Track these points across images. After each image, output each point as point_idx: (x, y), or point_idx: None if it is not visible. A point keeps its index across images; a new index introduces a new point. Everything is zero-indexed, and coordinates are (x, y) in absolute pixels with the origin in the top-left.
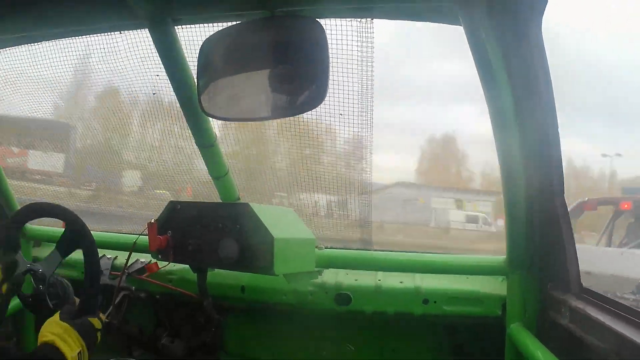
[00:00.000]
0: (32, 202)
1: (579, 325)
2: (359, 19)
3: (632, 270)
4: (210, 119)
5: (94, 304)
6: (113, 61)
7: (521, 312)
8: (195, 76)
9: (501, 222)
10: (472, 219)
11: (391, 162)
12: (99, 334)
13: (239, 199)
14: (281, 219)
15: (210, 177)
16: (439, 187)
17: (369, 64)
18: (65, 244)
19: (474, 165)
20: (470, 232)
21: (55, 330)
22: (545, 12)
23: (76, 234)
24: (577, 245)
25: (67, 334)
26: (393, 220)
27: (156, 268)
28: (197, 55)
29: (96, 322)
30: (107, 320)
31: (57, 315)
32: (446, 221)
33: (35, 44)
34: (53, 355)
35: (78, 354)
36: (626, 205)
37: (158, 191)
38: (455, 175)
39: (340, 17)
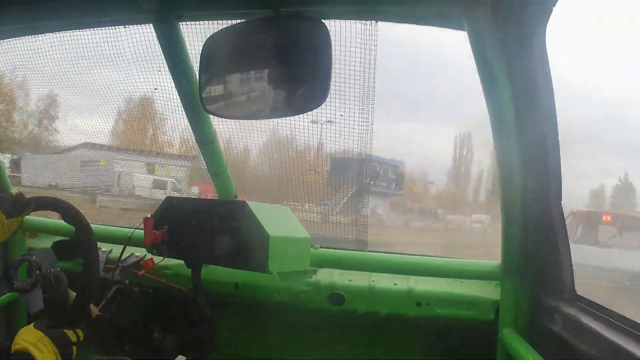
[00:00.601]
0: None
1: (571, 332)
2: (363, 21)
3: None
4: (211, 116)
5: (79, 316)
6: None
7: (514, 317)
8: (197, 73)
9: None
10: (160, 185)
11: (83, 124)
12: (74, 348)
13: (236, 196)
14: (277, 217)
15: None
16: (130, 149)
17: (371, 66)
18: (67, 249)
19: (173, 129)
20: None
21: (29, 338)
22: (549, 20)
23: (82, 244)
24: None
25: (42, 343)
26: (69, 185)
27: (152, 264)
28: (200, 52)
29: (72, 335)
30: (99, 313)
31: (32, 325)
32: (131, 186)
33: (39, 35)
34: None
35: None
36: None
37: None
38: (151, 138)
39: (345, 19)
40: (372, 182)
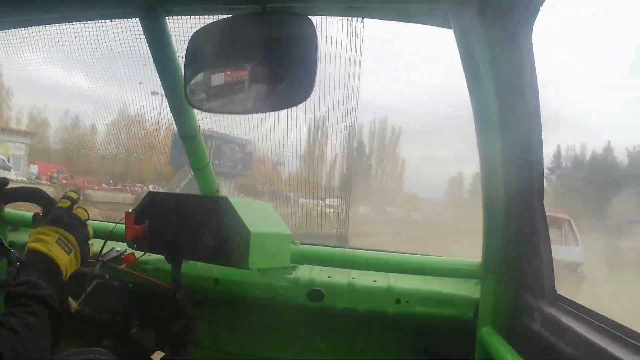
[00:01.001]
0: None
1: (550, 331)
2: (350, 18)
3: None
4: (195, 110)
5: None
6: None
7: (493, 316)
8: (182, 67)
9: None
10: None
11: None
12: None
13: (218, 191)
14: (258, 214)
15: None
16: None
17: (357, 62)
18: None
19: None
20: None
21: (30, 239)
22: (536, 20)
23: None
24: None
25: (37, 233)
26: None
27: (133, 259)
28: (186, 46)
29: (64, 203)
30: (78, 308)
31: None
32: None
33: (24, 29)
34: (34, 258)
35: (57, 241)
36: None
37: None
38: None
39: (332, 15)
40: (217, 162)
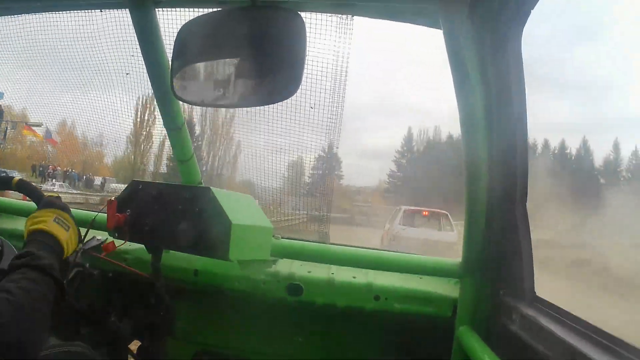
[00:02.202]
0: None
1: (528, 332)
2: (339, 15)
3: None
4: (181, 102)
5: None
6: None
7: (472, 315)
8: (170, 59)
9: None
10: None
11: None
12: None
13: (201, 183)
14: (240, 206)
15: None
16: None
17: (344, 59)
18: None
19: None
20: None
21: (29, 224)
22: (526, 23)
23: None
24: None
25: (34, 217)
26: None
27: (112, 247)
28: (175, 38)
29: (52, 194)
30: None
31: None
32: None
33: (14, 16)
34: (35, 237)
35: (55, 219)
36: (424, 213)
37: None
38: None
39: (322, 12)
40: None
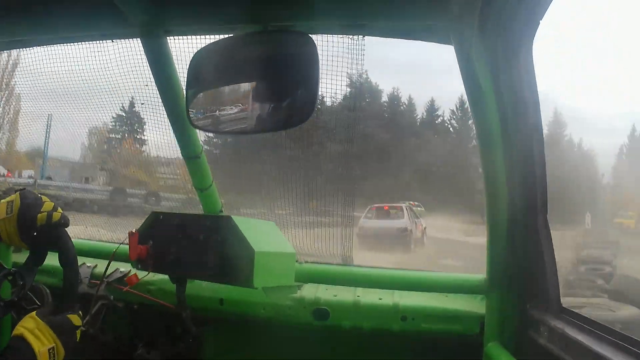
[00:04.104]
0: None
1: (557, 345)
2: (350, 36)
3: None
4: (198, 131)
5: (73, 302)
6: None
7: (499, 330)
8: (184, 87)
9: None
10: None
11: None
12: (78, 333)
13: (221, 211)
14: (262, 232)
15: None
16: None
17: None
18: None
19: None
20: None
21: (27, 325)
22: (536, 35)
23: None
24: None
25: (39, 329)
26: None
27: (136, 280)
28: (188, 66)
29: (75, 319)
30: (83, 328)
31: (33, 312)
32: None
33: (27, 49)
34: (21, 347)
35: (49, 350)
36: (385, 207)
37: None
38: None
39: (333, 34)
40: None
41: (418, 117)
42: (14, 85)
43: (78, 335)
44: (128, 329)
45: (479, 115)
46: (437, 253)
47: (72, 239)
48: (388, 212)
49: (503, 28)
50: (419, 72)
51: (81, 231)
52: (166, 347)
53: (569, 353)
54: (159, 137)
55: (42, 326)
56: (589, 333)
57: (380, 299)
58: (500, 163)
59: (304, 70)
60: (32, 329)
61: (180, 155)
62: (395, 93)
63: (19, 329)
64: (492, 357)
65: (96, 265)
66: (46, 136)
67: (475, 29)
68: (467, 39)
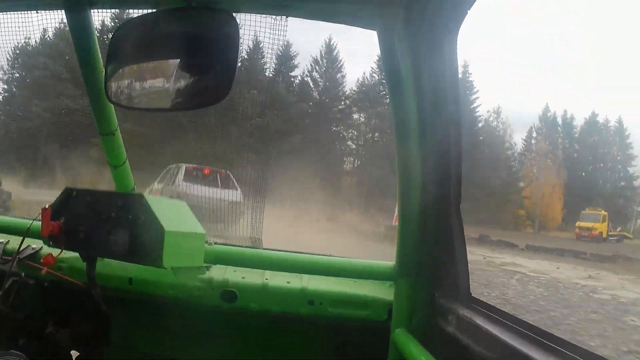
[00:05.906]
0: None
1: (465, 333)
2: (273, 16)
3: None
4: (114, 107)
5: None
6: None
7: (407, 318)
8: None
9: None
10: None
11: None
12: None
13: (134, 189)
14: (173, 212)
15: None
16: None
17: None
18: None
19: None
20: None
21: None
22: (461, 29)
23: None
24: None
25: None
26: None
27: (52, 260)
28: (109, 40)
29: None
30: None
31: None
32: None
33: None
34: None
35: None
36: (206, 171)
37: None
38: None
39: (256, 13)
40: None
41: None
42: None
43: None
44: (39, 307)
45: (397, 104)
46: None
47: None
48: (209, 177)
49: (428, 18)
50: None
51: None
52: (76, 326)
53: (476, 341)
54: None
55: None
56: (497, 323)
57: (288, 282)
58: (416, 153)
59: (223, 50)
60: None
61: None
62: None
63: None
64: (398, 343)
65: (8, 241)
66: None
67: (400, 17)
68: (391, 27)
